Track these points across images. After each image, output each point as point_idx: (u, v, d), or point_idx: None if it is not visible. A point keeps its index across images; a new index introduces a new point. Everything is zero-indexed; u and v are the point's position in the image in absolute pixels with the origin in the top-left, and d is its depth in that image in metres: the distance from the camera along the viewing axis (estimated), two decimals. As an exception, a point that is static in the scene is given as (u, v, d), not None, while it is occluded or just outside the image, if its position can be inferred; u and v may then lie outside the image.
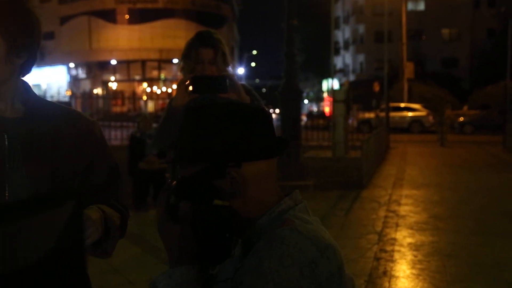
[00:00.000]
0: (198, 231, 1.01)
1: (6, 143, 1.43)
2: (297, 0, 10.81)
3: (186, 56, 2.67)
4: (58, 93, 31.37)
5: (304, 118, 29.00)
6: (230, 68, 2.69)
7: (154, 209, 6.85)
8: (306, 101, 51.93)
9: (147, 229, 6.05)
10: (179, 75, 2.81)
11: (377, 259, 5.13)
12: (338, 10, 51.03)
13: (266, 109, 1.12)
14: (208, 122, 1.06)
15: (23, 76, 1.50)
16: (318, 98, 50.80)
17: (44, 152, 1.46)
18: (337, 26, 50.53)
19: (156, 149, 6.53)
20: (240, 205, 1.06)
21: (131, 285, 4.42)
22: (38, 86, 41.93)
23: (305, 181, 8.86)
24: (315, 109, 44.43)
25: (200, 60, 2.58)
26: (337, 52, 50.73)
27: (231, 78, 2.48)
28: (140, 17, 37.69)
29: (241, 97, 2.44)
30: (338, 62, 51.97)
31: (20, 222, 1.18)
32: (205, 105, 1.10)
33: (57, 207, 1.02)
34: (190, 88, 2.41)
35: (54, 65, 40.06)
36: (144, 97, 32.37)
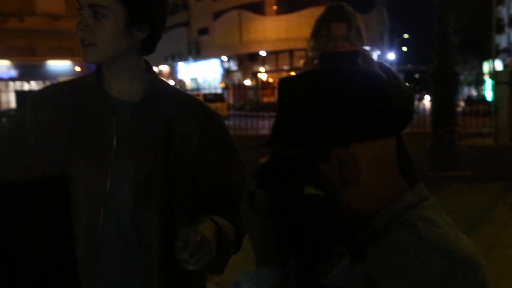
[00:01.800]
0: (280, 226, 0.80)
1: (114, 127, 1.28)
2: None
3: (316, 33, 2.44)
4: (209, 85, 33.16)
5: (461, 103, 26.93)
6: (366, 46, 2.41)
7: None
8: (464, 86, 48.41)
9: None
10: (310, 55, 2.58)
11: (551, 264, 4.42)
12: (501, -16, 46.65)
13: (381, 73, 0.84)
14: (303, 93, 0.83)
15: (144, 54, 1.33)
16: (477, 82, 46.96)
17: (155, 143, 1.29)
18: (500, 1, 46.25)
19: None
20: (351, 197, 0.81)
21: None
22: (195, 79, 44.84)
23: (461, 171, 8.10)
24: (474, 93, 41.09)
25: (332, 37, 2.34)
26: (500, 30, 46.47)
27: (365, 53, 2.19)
28: (287, 7, 38.12)
29: None
30: (502, 41, 47.62)
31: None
32: (300, 74, 0.87)
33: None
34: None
35: (208, 58, 42.46)
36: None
